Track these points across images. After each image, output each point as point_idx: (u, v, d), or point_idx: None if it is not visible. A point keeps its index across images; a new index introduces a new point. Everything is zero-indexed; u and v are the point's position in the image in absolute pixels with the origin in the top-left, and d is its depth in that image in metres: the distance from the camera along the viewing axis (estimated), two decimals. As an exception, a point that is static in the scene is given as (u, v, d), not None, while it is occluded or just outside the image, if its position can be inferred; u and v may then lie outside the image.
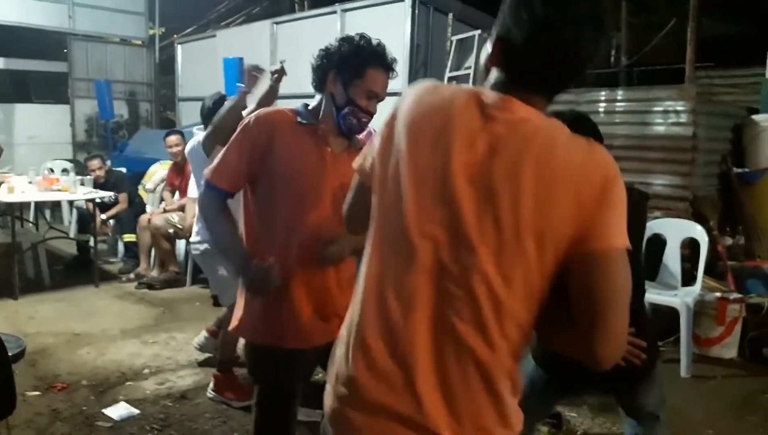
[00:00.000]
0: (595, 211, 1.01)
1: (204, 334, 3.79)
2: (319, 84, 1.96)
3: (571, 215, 1.01)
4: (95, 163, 6.12)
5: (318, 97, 2.00)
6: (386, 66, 1.89)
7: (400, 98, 1.16)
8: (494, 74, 1.11)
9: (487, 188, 1.02)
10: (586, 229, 1.01)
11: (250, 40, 7.93)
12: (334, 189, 1.87)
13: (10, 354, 2.12)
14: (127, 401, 3.29)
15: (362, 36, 1.91)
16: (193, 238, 3.43)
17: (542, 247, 1.01)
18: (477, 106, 1.07)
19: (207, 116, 3.41)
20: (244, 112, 2.82)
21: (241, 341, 2.67)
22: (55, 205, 7.95)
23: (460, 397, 1.05)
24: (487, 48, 1.12)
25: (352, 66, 1.87)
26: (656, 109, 4.59)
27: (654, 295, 3.97)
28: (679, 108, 4.47)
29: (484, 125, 1.05)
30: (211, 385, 3.37)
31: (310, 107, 2.00)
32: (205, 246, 3.30)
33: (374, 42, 1.90)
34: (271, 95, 2.90)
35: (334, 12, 7.04)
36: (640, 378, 2.11)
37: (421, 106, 1.12)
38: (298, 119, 1.95)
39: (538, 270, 1.03)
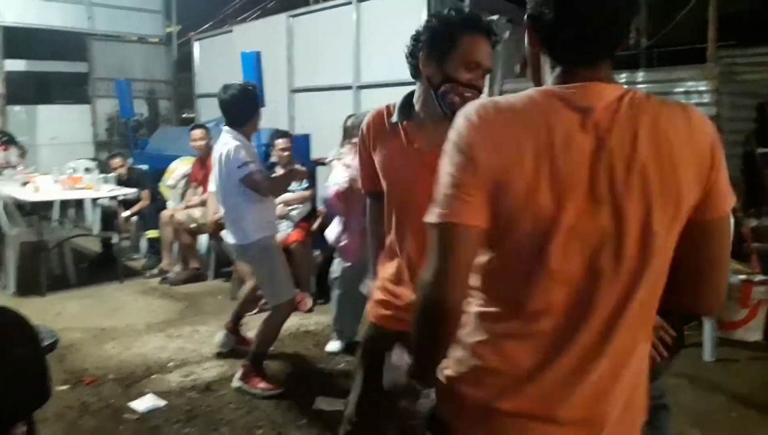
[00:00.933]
0: (712, 177, 1.04)
1: (223, 332, 3.84)
2: (414, 70, 1.80)
3: (695, 186, 1.03)
4: (117, 161, 6.21)
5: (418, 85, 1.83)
6: (483, 30, 1.71)
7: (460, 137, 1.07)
8: (550, 64, 1.09)
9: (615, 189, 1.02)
10: (706, 197, 1.04)
11: (266, 35, 7.94)
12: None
13: (44, 344, 2.17)
14: (153, 394, 3.35)
15: (452, 7, 1.78)
16: (239, 236, 3.39)
17: (678, 222, 1.04)
18: (564, 106, 1.03)
19: (229, 110, 3.35)
20: None
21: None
22: (78, 204, 8.08)
23: None
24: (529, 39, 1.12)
25: (443, 37, 1.70)
26: (678, 90, 4.51)
27: (677, 279, 3.93)
28: (701, 88, 4.39)
29: (582, 123, 1.01)
30: (239, 374, 3.40)
31: (414, 97, 1.85)
32: (253, 240, 3.32)
33: (466, 9, 1.80)
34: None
35: (350, 3, 7.01)
36: (661, 369, 2.09)
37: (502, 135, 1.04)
38: (391, 119, 1.84)
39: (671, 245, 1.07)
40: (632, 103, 1.02)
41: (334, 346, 3.97)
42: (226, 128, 3.38)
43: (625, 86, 1.06)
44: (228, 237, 3.51)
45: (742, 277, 4.00)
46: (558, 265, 1.03)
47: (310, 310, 4.66)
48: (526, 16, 1.09)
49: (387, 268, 1.94)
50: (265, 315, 3.60)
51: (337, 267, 4.02)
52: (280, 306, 3.42)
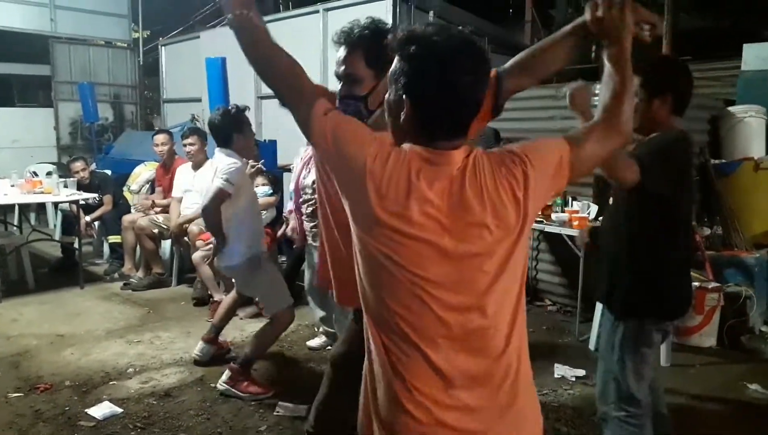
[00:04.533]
0: (530, 185, 1.29)
1: (201, 344, 3.84)
2: None
3: (513, 201, 1.29)
4: (78, 165, 6.10)
5: None
6: (340, 41, 1.74)
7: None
8: (414, 131, 1.24)
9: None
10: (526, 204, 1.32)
11: (233, 41, 7.83)
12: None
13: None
14: (110, 401, 3.30)
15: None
16: (231, 257, 3.53)
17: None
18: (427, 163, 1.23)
19: (212, 131, 3.57)
20: None
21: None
22: (41, 208, 7.92)
23: None
24: (393, 104, 1.26)
25: None
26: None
27: (633, 286, 4.03)
28: (657, 101, 4.51)
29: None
30: (225, 377, 3.41)
31: None
32: (245, 257, 3.47)
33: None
34: None
35: (317, 11, 7.06)
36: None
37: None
38: None
39: None
40: (475, 159, 1.23)
41: (316, 342, 4.09)
42: (217, 149, 3.55)
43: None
44: (218, 260, 3.68)
45: (697, 284, 4.11)
46: None
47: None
48: (398, 96, 1.23)
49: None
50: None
51: (307, 278, 4.07)
52: (279, 315, 3.50)
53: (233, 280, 3.85)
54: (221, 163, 3.43)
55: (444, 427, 1.20)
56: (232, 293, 3.82)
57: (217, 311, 3.93)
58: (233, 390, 3.36)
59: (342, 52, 1.73)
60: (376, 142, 1.24)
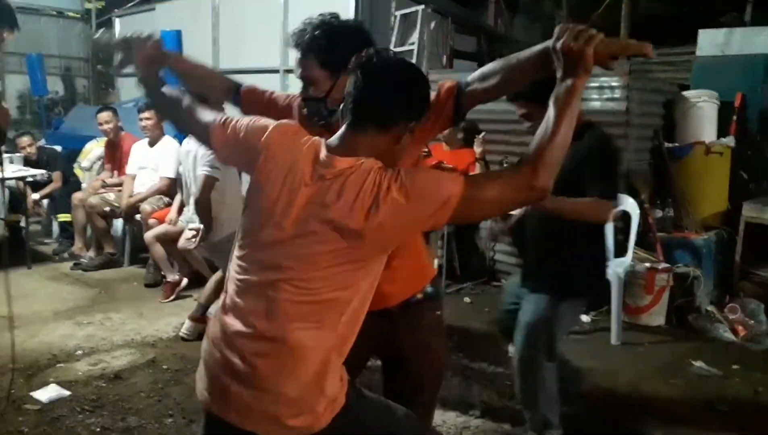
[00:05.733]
0: (380, 195, 1.41)
1: (187, 322, 3.81)
2: None
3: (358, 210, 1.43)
4: (25, 140, 5.88)
5: None
6: (296, 45, 1.75)
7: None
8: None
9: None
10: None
11: (190, 14, 7.69)
12: None
13: None
14: (57, 383, 3.20)
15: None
16: (214, 234, 3.67)
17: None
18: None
19: None
20: None
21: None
22: (-14, 186, 7.61)
23: None
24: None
25: None
26: (592, 84, 4.67)
27: (587, 267, 4.10)
28: (613, 84, 4.57)
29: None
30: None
31: None
32: (228, 232, 3.48)
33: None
34: None
35: (278, -10, 6.89)
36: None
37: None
38: None
39: None
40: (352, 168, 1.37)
41: None
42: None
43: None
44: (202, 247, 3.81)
45: (647, 265, 4.22)
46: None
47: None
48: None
49: None
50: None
51: None
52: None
53: (215, 261, 3.89)
54: (201, 148, 3.42)
55: None
56: (218, 273, 3.83)
57: (203, 290, 3.93)
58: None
59: (297, 55, 1.73)
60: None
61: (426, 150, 3.95)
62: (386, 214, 1.31)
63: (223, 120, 1.53)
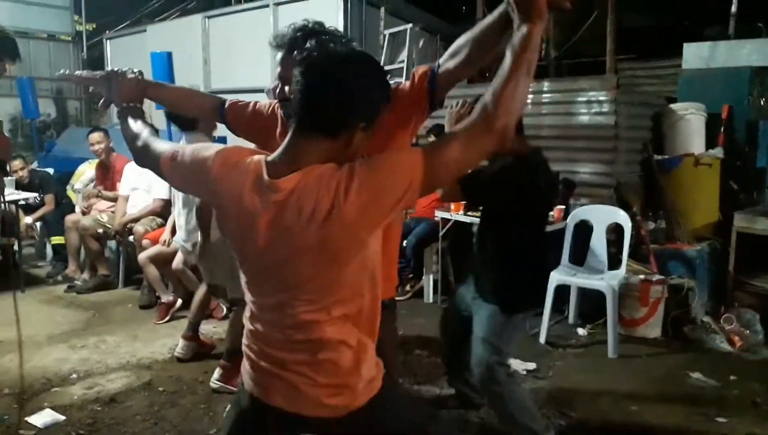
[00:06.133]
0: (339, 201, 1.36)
1: (181, 342, 3.78)
2: None
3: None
4: (17, 163, 5.86)
5: None
6: (276, 45, 1.77)
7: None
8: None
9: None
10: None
11: (181, 35, 7.75)
12: None
13: None
14: (52, 408, 3.17)
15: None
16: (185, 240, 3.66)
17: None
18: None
19: (179, 117, 3.47)
20: None
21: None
22: (-23, 209, 7.57)
23: None
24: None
25: None
26: (580, 99, 4.73)
27: (582, 280, 4.12)
28: (601, 98, 4.62)
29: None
30: (217, 375, 3.37)
31: None
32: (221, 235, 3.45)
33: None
34: None
35: (267, 6, 6.96)
36: None
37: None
38: None
39: None
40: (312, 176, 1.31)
41: None
42: (184, 135, 3.48)
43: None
44: (186, 242, 3.71)
45: (642, 277, 4.23)
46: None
47: (224, 318, 4.52)
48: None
49: None
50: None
51: None
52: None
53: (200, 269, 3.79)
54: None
55: None
56: (202, 287, 3.78)
57: (191, 308, 3.89)
58: (227, 386, 3.32)
59: (279, 55, 1.76)
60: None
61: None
62: (351, 216, 1.27)
63: (171, 152, 1.50)
